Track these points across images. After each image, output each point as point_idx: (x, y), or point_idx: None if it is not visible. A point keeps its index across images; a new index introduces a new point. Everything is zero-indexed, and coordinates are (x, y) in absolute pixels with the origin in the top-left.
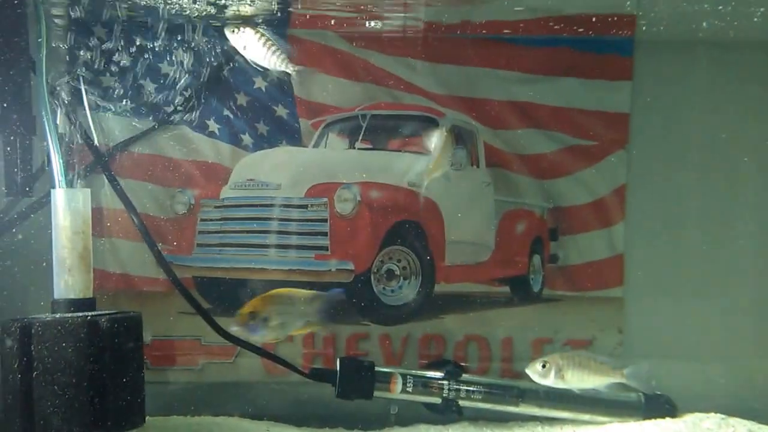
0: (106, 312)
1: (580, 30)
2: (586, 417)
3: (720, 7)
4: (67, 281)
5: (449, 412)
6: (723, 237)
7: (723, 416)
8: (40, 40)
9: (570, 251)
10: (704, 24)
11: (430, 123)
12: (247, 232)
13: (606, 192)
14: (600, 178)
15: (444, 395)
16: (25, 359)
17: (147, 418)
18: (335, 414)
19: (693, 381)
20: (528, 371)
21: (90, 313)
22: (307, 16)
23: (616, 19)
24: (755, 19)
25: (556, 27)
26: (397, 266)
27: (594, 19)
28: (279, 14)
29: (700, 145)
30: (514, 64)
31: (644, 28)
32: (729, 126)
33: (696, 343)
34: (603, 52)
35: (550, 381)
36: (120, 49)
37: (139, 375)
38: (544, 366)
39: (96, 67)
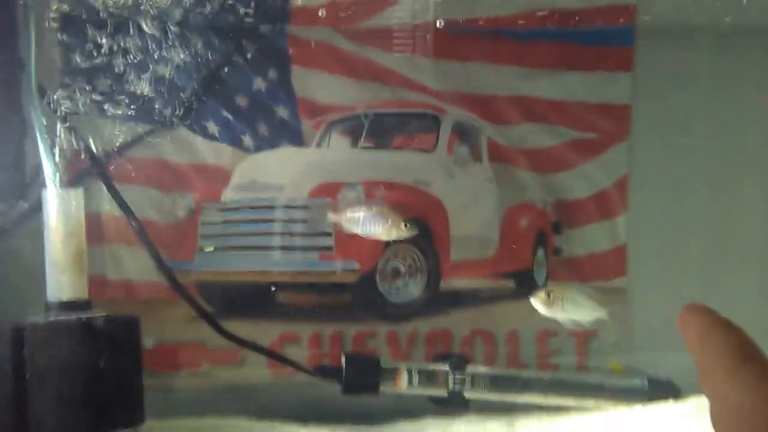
0: (101, 314)
1: (579, 22)
2: (591, 404)
3: None
4: (61, 282)
5: (455, 404)
6: (728, 226)
7: None
8: (28, 39)
9: (574, 244)
10: (702, 10)
11: (433, 120)
12: (250, 234)
13: (608, 184)
14: (602, 170)
15: (449, 388)
16: (17, 362)
17: (149, 422)
18: (343, 413)
19: (695, 370)
20: (533, 300)
21: (84, 315)
22: (307, 10)
23: (615, 9)
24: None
25: (554, 20)
26: (403, 264)
27: (593, 11)
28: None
29: (704, 134)
30: (515, 58)
31: (644, 17)
32: (733, 114)
33: None
34: (603, 44)
35: (551, 311)
36: (114, 49)
37: (136, 376)
38: (548, 295)
39: (89, 68)
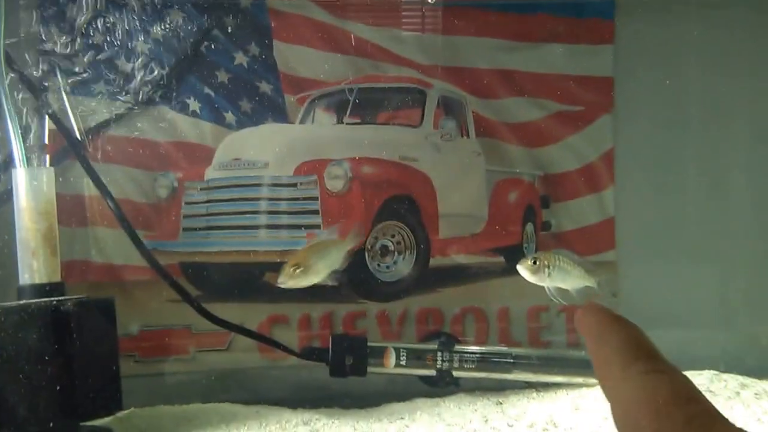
0: (74, 296)
1: None
2: (580, 380)
3: None
4: (32, 265)
5: (443, 383)
6: (716, 197)
7: (716, 372)
8: None
9: (562, 218)
10: None
11: (418, 94)
12: (235, 213)
13: (594, 157)
14: (588, 143)
15: (438, 366)
16: None
17: (133, 409)
18: (336, 396)
19: (689, 343)
20: (519, 267)
21: (56, 298)
22: None
23: None
24: None
25: None
26: (391, 242)
27: None
28: None
29: (690, 105)
30: (498, 31)
31: None
32: (720, 85)
33: (691, 305)
34: (584, 17)
35: (538, 278)
36: (92, 25)
37: (112, 361)
38: (535, 262)
39: (65, 45)
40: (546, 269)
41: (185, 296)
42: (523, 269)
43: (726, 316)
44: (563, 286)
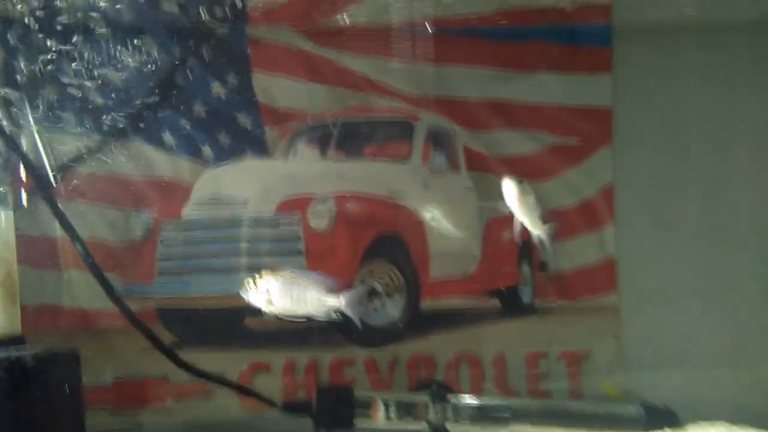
0: (35, 350)
1: (554, 20)
2: None
3: None
4: None
5: None
6: (720, 235)
7: (729, 425)
8: None
9: (560, 257)
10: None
11: (406, 127)
12: (214, 254)
13: (593, 192)
14: (585, 177)
15: (429, 419)
16: None
17: None
18: None
19: (696, 387)
20: (505, 181)
21: (15, 352)
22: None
23: (590, 7)
24: None
25: (529, 18)
26: (379, 283)
27: (568, 9)
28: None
29: (692, 136)
30: (489, 60)
31: (621, 14)
32: (721, 114)
33: (698, 347)
34: (579, 44)
35: (516, 202)
36: (62, 55)
37: (76, 416)
38: (521, 182)
39: (33, 76)
40: (528, 195)
41: (158, 345)
42: (511, 184)
43: (734, 358)
44: (528, 220)
